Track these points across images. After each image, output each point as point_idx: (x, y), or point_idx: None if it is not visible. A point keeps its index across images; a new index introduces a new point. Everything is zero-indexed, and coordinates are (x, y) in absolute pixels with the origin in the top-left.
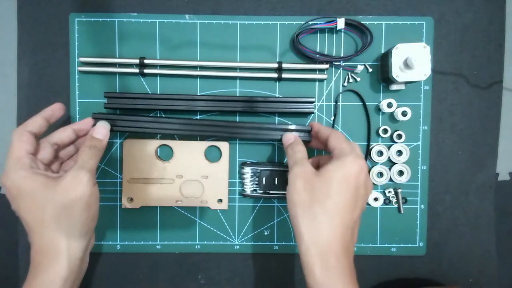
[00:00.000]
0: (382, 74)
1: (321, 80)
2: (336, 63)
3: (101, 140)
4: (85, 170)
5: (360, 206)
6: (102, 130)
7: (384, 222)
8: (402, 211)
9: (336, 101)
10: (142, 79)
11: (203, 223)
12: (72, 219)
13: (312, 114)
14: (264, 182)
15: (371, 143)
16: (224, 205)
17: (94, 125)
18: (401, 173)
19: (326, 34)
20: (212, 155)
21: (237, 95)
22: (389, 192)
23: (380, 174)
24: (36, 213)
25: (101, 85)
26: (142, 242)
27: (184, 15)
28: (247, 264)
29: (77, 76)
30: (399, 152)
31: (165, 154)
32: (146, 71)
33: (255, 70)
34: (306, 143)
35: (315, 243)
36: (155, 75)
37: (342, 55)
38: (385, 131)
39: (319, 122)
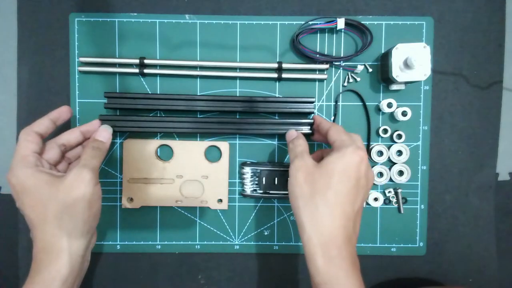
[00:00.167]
0: (382, 74)
1: (321, 80)
2: (336, 63)
3: (104, 142)
4: (88, 169)
5: (361, 196)
6: (104, 133)
7: (384, 222)
8: (402, 211)
9: (336, 101)
10: (142, 79)
11: (203, 223)
12: (74, 217)
13: (312, 114)
14: (264, 182)
15: (371, 143)
16: (224, 205)
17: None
18: (401, 173)
19: (326, 34)
20: (212, 155)
21: (237, 95)
22: (389, 192)
23: (380, 174)
24: (39, 210)
25: (101, 85)
26: (142, 242)
27: (184, 15)
28: (247, 264)
29: (77, 76)
30: (399, 152)
31: (165, 154)
32: (146, 71)
33: (255, 70)
34: (308, 136)
35: (317, 234)
36: (155, 75)
37: (342, 55)
38: (385, 131)
39: None
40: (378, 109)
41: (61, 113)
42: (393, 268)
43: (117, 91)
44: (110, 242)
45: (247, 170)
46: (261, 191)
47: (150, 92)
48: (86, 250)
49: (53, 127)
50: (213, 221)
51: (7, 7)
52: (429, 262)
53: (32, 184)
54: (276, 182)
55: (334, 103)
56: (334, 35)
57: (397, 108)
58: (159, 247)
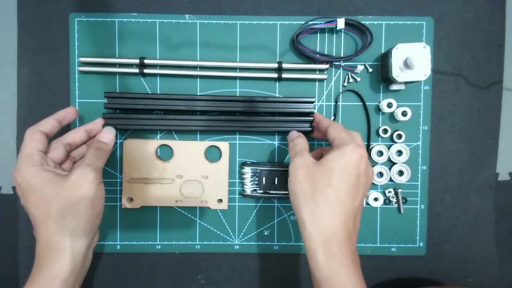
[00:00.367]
0: (382, 74)
1: (321, 80)
2: (336, 63)
3: (107, 143)
4: (91, 168)
5: (361, 194)
6: (107, 134)
7: (384, 222)
8: (402, 211)
9: (336, 101)
10: (142, 79)
11: (203, 223)
12: (77, 215)
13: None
14: (264, 182)
15: (371, 143)
16: (224, 205)
17: (104, 124)
18: (401, 173)
19: (326, 34)
20: (212, 155)
21: (237, 95)
22: (389, 192)
23: (380, 174)
24: (43, 207)
25: (101, 85)
26: (142, 242)
27: (184, 15)
28: (247, 264)
29: (77, 76)
30: (399, 152)
31: (165, 154)
32: (146, 71)
33: (255, 70)
34: (308, 133)
35: (318, 231)
36: (155, 75)
37: (342, 55)
38: (385, 131)
39: None
40: (378, 109)
41: (67, 114)
42: (393, 268)
43: (117, 91)
44: (110, 242)
45: (247, 170)
46: (261, 191)
47: (150, 92)
48: (88, 249)
49: (59, 127)
50: (213, 221)
51: (7, 7)
52: (429, 262)
53: (37, 182)
54: (276, 182)
55: (334, 103)
56: (334, 35)
57: (397, 108)
58: (159, 247)
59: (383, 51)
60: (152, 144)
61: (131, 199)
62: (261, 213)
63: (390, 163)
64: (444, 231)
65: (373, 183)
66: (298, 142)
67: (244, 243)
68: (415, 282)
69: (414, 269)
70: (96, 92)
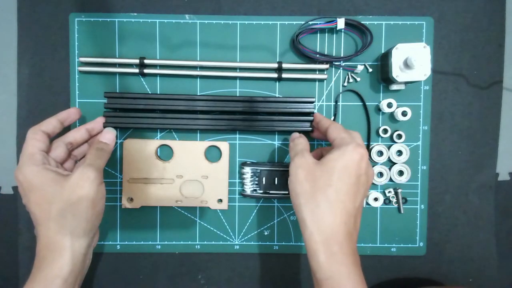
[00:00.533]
0: (382, 74)
1: (321, 80)
2: (336, 63)
3: (108, 144)
4: (92, 168)
5: (362, 193)
6: (108, 135)
7: (384, 222)
8: (402, 211)
9: (336, 101)
10: (142, 79)
11: (203, 223)
12: (77, 215)
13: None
14: (264, 182)
15: (371, 143)
16: (224, 205)
17: (105, 123)
18: (401, 173)
19: (326, 34)
20: (212, 155)
21: (237, 95)
22: (389, 192)
23: (380, 174)
24: (44, 207)
25: (101, 85)
26: (142, 242)
27: (184, 15)
28: (247, 264)
29: (77, 76)
30: (399, 152)
31: (165, 154)
32: (146, 71)
33: (255, 70)
34: (308, 133)
35: (319, 230)
36: (155, 75)
37: (342, 55)
38: (385, 131)
39: None
40: (378, 109)
41: (69, 114)
42: (393, 268)
43: (117, 91)
44: (110, 242)
45: (247, 170)
46: (261, 191)
47: (150, 92)
48: (89, 249)
49: (61, 127)
50: (213, 221)
51: (7, 7)
52: (429, 262)
53: (39, 181)
54: (276, 182)
55: (334, 103)
56: (334, 35)
57: (397, 108)
58: (159, 247)
59: (383, 51)
60: (152, 144)
61: (131, 199)
62: (261, 213)
63: (390, 163)
64: (444, 231)
65: (373, 183)
66: (299, 142)
67: (244, 243)
68: (415, 282)
69: (414, 269)
70: (96, 92)
